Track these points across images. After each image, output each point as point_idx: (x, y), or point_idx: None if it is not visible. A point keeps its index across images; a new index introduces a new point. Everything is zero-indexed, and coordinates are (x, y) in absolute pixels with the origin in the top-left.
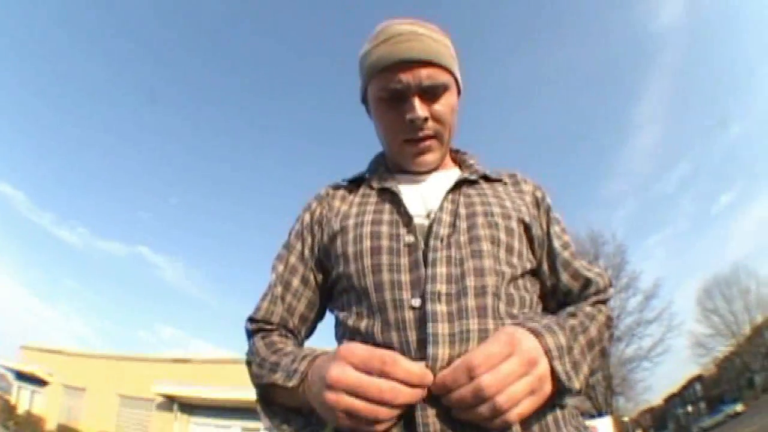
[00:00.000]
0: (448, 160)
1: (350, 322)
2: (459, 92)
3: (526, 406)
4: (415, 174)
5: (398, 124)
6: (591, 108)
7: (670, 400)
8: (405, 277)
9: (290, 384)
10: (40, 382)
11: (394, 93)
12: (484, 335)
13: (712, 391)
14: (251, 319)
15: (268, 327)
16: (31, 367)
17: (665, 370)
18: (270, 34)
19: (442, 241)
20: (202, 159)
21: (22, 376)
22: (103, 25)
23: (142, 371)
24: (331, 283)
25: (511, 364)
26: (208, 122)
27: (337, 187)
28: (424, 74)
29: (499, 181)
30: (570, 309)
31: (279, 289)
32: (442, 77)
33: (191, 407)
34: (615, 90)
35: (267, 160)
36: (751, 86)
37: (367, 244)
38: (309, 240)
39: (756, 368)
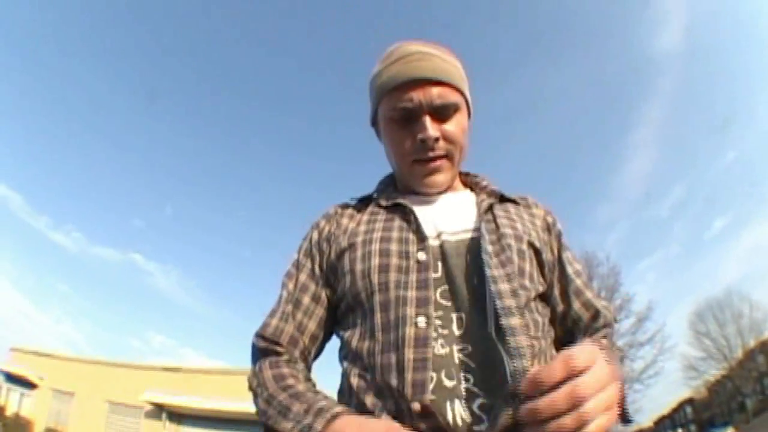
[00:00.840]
0: (458, 182)
1: (354, 342)
2: (469, 114)
3: (603, 421)
4: (425, 195)
5: (408, 144)
6: (586, 131)
7: (660, 422)
8: (411, 294)
9: None
10: (30, 385)
11: (405, 112)
12: (530, 352)
13: (702, 414)
14: (260, 336)
15: (277, 349)
16: (20, 370)
17: (656, 392)
18: (271, 44)
19: (491, 257)
20: (199, 170)
21: (11, 378)
22: (104, 30)
23: (132, 378)
24: (336, 301)
25: (603, 370)
26: (208, 133)
27: (345, 206)
28: (435, 93)
29: (513, 202)
30: (603, 341)
31: (289, 307)
32: (453, 97)
33: (180, 416)
34: (611, 114)
35: (263, 174)
36: (747, 112)
37: (375, 261)
38: (318, 257)
39: (747, 392)
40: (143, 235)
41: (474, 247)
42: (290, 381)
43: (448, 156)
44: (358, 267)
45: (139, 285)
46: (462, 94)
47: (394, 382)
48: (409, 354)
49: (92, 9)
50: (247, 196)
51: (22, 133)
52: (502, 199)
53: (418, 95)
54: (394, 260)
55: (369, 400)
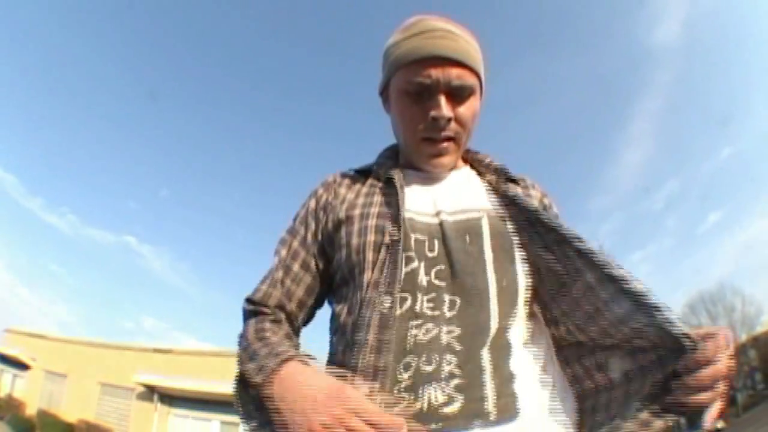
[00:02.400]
0: (459, 160)
1: (341, 317)
2: (482, 97)
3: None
4: (427, 172)
5: (420, 120)
6: (583, 123)
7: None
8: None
9: (255, 380)
10: (23, 366)
11: (421, 87)
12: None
13: None
14: (249, 300)
15: (265, 310)
16: (13, 351)
17: None
18: (262, 27)
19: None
20: (194, 153)
21: (4, 359)
22: (97, 13)
23: (123, 360)
24: (333, 271)
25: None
26: (202, 117)
27: (344, 176)
28: (455, 74)
29: (516, 182)
30: None
31: (279, 273)
32: (471, 79)
33: (171, 398)
34: (608, 106)
35: (258, 156)
36: (743, 108)
37: (371, 238)
38: (313, 226)
39: (738, 386)
40: (137, 217)
41: (476, 228)
42: (268, 333)
43: (456, 138)
44: (354, 241)
45: (133, 267)
46: (479, 77)
47: (360, 363)
48: (371, 336)
49: None
50: (241, 178)
51: (17, 115)
52: (507, 178)
53: (437, 72)
54: (387, 238)
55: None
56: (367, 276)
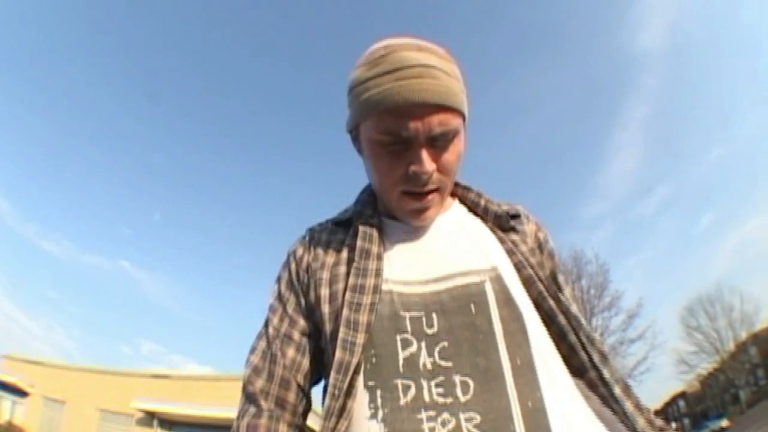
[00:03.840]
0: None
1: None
2: (465, 128)
3: None
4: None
5: (398, 174)
6: (572, 131)
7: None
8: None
9: None
10: (21, 393)
11: (398, 140)
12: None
13: (695, 407)
14: (248, 381)
15: (261, 403)
16: (12, 378)
17: (648, 388)
18: (258, 45)
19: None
20: (187, 176)
21: (3, 386)
22: (93, 36)
23: (122, 386)
24: (323, 344)
25: None
26: (196, 138)
27: (322, 230)
28: (436, 121)
29: (516, 218)
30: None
31: (277, 344)
32: (455, 122)
33: (171, 423)
34: (596, 113)
35: (252, 178)
36: (731, 110)
37: (357, 317)
38: (300, 290)
39: (741, 384)
40: (132, 242)
41: (480, 296)
42: None
43: (440, 189)
44: (331, 323)
45: (129, 292)
46: (462, 115)
47: None
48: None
49: (79, 16)
50: (236, 201)
51: (9, 139)
52: (504, 221)
53: (415, 124)
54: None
55: None
56: (354, 359)
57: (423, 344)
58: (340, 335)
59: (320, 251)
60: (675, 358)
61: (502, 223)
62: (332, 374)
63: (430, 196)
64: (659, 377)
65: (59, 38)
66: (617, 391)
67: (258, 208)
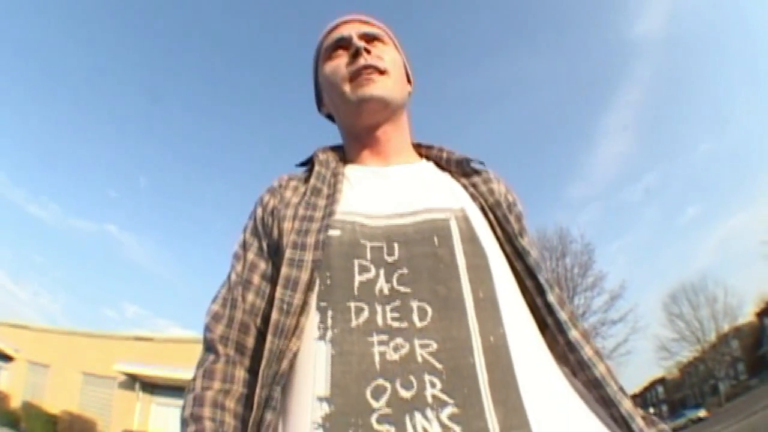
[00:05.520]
0: (412, 152)
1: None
2: (408, 77)
3: None
4: (376, 166)
5: (342, 65)
6: (563, 112)
7: (631, 400)
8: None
9: None
10: (6, 358)
11: (338, 43)
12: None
13: (674, 395)
14: (207, 327)
15: (219, 349)
16: None
17: (627, 371)
18: (254, 11)
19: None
20: (173, 140)
21: None
22: (78, 4)
23: (105, 349)
24: None
25: None
26: (180, 102)
27: (291, 177)
28: (364, 26)
29: (478, 173)
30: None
31: (239, 290)
32: (381, 31)
33: (153, 386)
34: (586, 97)
35: (238, 142)
36: (725, 106)
37: (311, 241)
38: (263, 234)
39: (721, 376)
40: (118, 205)
41: (444, 230)
42: (207, 412)
43: (380, 71)
44: (291, 251)
45: (115, 255)
46: (394, 44)
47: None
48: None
49: None
50: (222, 165)
51: None
52: (469, 170)
53: (347, 28)
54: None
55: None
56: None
57: (381, 271)
58: (287, 255)
59: (287, 194)
60: (656, 344)
61: (465, 168)
62: (278, 290)
63: (370, 72)
64: (639, 362)
65: (45, 7)
66: (574, 334)
67: (245, 173)
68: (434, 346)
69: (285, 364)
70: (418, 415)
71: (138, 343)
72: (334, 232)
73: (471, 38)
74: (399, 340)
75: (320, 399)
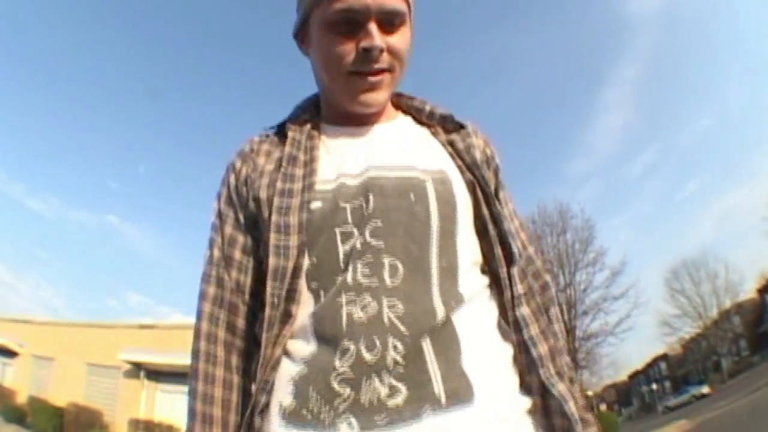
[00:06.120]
0: (390, 107)
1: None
2: (411, 29)
3: None
4: (353, 126)
5: (348, 53)
6: (560, 86)
7: (635, 377)
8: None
9: None
10: (11, 354)
11: (349, 15)
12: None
13: (677, 371)
14: (200, 311)
15: (215, 329)
16: (1, 339)
17: (630, 347)
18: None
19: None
20: (170, 126)
21: None
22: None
23: (109, 339)
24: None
25: None
26: (175, 88)
27: (262, 141)
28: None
29: (458, 129)
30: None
31: (222, 266)
32: (402, 6)
33: (158, 374)
34: (586, 70)
35: (234, 124)
36: (722, 81)
37: (293, 219)
38: (238, 204)
39: (723, 352)
40: (118, 196)
41: (421, 189)
42: (210, 390)
43: (390, 70)
44: (276, 221)
45: (116, 246)
46: (408, 6)
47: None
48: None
49: None
50: (219, 149)
51: None
52: (451, 127)
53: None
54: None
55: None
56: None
57: (358, 229)
58: (272, 241)
59: (260, 161)
60: (658, 319)
61: (447, 125)
62: (269, 282)
63: (379, 76)
64: (642, 338)
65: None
66: (522, 312)
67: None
68: (401, 307)
69: (279, 350)
70: (375, 379)
71: (141, 331)
72: (315, 205)
73: (467, 14)
74: (367, 299)
75: (303, 360)
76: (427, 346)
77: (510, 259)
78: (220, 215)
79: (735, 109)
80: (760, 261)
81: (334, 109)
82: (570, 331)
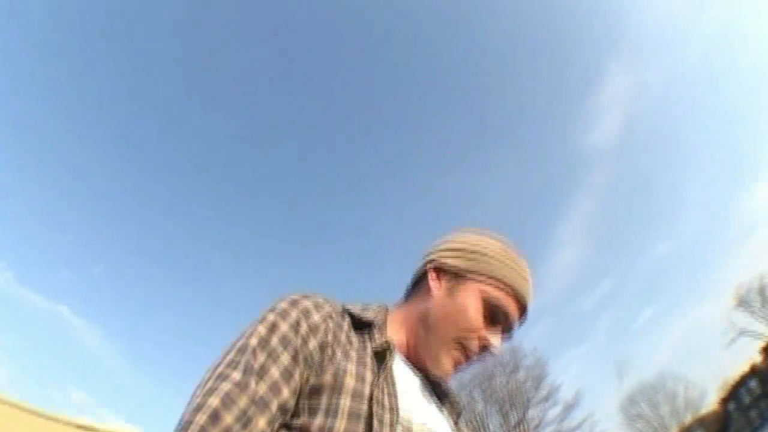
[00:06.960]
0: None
1: None
2: None
3: None
4: (407, 365)
5: (471, 328)
6: (518, 225)
7: None
8: None
9: None
10: None
11: (499, 312)
12: None
13: None
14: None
15: None
16: None
17: None
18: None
19: None
20: (131, 231)
21: None
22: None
23: (47, 430)
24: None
25: None
26: (139, 197)
27: (342, 313)
28: (520, 321)
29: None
30: None
31: (252, 409)
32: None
33: None
34: (540, 206)
35: (198, 243)
36: (678, 208)
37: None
38: (301, 360)
39: None
40: (71, 287)
41: None
42: None
43: (471, 360)
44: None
45: (64, 337)
46: None
47: None
48: None
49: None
50: (181, 264)
51: None
52: (458, 407)
53: (515, 312)
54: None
55: None
56: None
57: None
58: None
59: (341, 337)
60: None
61: (456, 407)
62: None
63: (467, 361)
64: None
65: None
66: None
67: (205, 275)
68: None
69: None
70: None
71: (80, 431)
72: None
73: (424, 154)
74: None
75: None
76: None
77: None
78: (271, 351)
79: (690, 232)
80: (722, 372)
81: (401, 339)
82: None
